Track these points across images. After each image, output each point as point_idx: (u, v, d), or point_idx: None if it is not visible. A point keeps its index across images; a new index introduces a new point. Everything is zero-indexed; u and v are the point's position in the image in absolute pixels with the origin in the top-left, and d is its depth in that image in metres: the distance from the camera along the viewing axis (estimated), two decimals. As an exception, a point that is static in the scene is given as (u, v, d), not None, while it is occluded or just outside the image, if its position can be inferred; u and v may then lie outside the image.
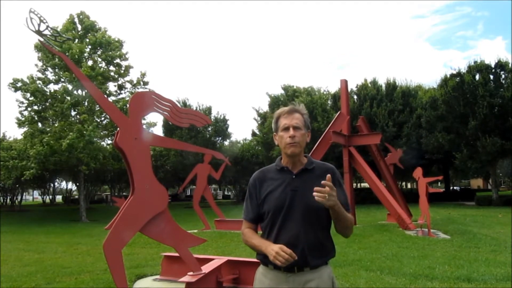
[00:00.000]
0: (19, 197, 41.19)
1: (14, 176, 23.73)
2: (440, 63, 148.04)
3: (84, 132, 20.22)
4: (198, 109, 34.45)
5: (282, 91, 34.97)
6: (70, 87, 22.35)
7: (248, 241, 2.05)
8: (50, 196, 51.67)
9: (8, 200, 42.65)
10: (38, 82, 22.81)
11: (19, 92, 22.66)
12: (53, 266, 7.47)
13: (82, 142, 20.28)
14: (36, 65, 23.32)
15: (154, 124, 26.70)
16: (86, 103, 22.31)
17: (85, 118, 21.33)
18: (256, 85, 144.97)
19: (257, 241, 1.99)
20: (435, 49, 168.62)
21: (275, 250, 1.81)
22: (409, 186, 44.56)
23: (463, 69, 23.97)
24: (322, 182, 1.77)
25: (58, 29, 19.99)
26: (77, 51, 21.80)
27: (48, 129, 22.73)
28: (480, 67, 23.28)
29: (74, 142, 20.05)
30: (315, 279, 1.95)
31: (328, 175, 1.80)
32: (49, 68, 23.30)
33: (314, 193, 1.77)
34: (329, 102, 31.75)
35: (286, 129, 2.02)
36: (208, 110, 35.38)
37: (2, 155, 23.85)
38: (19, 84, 22.27)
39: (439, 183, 45.68)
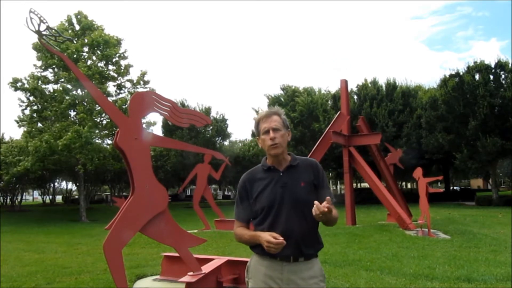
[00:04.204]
0: (19, 197, 41.17)
1: (13, 173, 23.65)
2: (436, 65, 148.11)
3: (82, 134, 20.17)
4: (197, 109, 34.45)
5: (281, 91, 34.98)
6: (69, 86, 22.34)
7: (242, 237, 2.18)
8: (50, 196, 51.63)
9: (8, 200, 42.63)
10: (37, 81, 22.79)
11: (19, 92, 22.70)
12: (53, 266, 7.47)
13: (78, 143, 20.23)
14: (35, 65, 23.33)
15: (154, 123, 26.67)
16: (85, 103, 22.30)
17: (84, 117, 21.31)
18: (256, 85, 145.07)
19: (250, 235, 2.12)
20: (431, 50, 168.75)
21: (266, 239, 1.93)
22: (409, 186, 44.59)
23: (463, 70, 24.00)
24: (317, 205, 1.88)
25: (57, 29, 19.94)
26: (74, 50, 21.77)
27: (47, 129, 22.73)
28: (480, 67, 23.27)
29: (71, 142, 20.00)
30: (308, 270, 2.10)
31: (323, 206, 1.87)
32: (49, 68, 23.29)
33: (314, 209, 1.89)
34: (329, 102, 31.76)
35: (267, 132, 2.16)
36: (208, 110, 35.37)
37: (2, 153, 23.86)
38: (19, 84, 22.28)
39: (439, 183, 45.68)
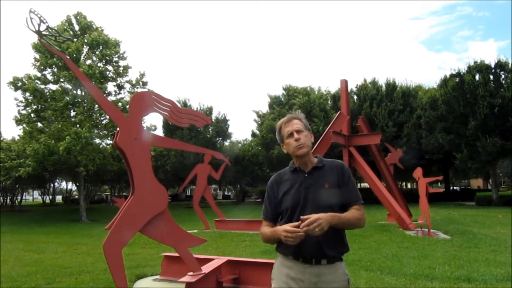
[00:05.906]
0: (19, 197, 41.20)
1: (14, 176, 23.69)
2: (435, 65, 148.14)
3: (81, 135, 20.10)
4: (199, 109, 34.41)
5: (283, 91, 34.89)
6: (69, 86, 22.30)
7: (265, 235, 2.20)
8: (50, 196, 51.69)
9: (8, 200, 42.66)
10: (36, 81, 22.77)
11: (18, 91, 22.64)
12: (53, 266, 7.47)
13: (79, 145, 20.21)
14: (34, 64, 23.29)
15: (154, 128, 26.70)
16: (85, 103, 22.27)
17: (81, 119, 21.28)
18: (256, 85, 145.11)
19: (271, 231, 2.15)
20: (429, 50, 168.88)
21: (283, 229, 1.95)
22: (409, 186, 44.56)
23: (463, 70, 23.99)
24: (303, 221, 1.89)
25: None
26: (74, 50, 21.74)
27: (46, 129, 22.71)
28: (480, 67, 23.26)
29: (71, 145, 19.98)
30: (331, 274, 2.09)
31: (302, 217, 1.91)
32: (48, 68, 23.26)
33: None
34: (329, 102, 31.71)
35: (291, 135, 2.21)
36: (209, 111, 35.31)
37: (1, 156, 23.85)
38: (19, 84, 22.24)
39: (439, 183, 45.67)
